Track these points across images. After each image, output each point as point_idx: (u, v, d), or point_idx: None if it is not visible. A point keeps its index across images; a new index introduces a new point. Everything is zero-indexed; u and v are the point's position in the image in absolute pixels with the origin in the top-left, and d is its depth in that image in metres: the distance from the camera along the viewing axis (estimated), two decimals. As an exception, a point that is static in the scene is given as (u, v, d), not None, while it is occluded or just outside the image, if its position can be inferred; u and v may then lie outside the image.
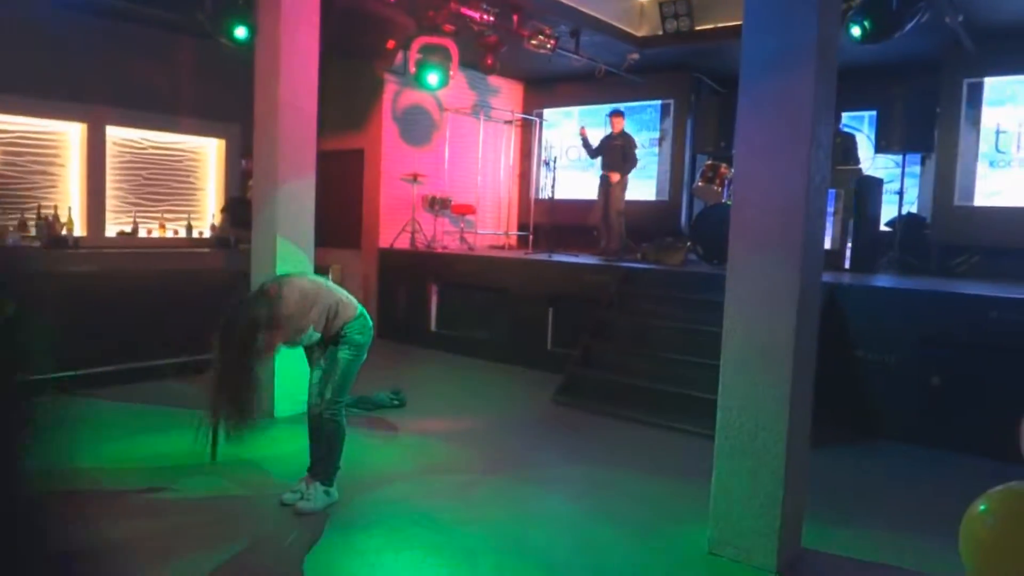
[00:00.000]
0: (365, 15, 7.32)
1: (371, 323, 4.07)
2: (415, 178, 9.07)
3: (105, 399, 5.73)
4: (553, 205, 9.71)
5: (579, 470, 4.70)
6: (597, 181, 8.82)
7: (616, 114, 8.80)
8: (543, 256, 8.39)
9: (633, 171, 8.76)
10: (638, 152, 8.79)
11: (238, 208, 7.55)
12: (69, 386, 5.80)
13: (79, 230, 6.94)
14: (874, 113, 8.43)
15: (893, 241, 7.83)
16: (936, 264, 7.97)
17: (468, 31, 7.54)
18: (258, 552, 3.46)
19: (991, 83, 7.71)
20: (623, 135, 8.72)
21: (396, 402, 5.87)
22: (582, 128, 8.98)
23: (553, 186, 9.64)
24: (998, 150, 7.74)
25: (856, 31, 5.98)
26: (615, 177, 8.55)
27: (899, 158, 8.21)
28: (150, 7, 6.47)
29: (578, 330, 7.00)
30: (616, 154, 8.62)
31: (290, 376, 5.62)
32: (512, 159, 11.15)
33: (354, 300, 4.07)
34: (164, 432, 5.02)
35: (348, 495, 4.05)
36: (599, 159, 8.83)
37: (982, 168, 7.79)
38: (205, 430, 3.67)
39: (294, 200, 5.56)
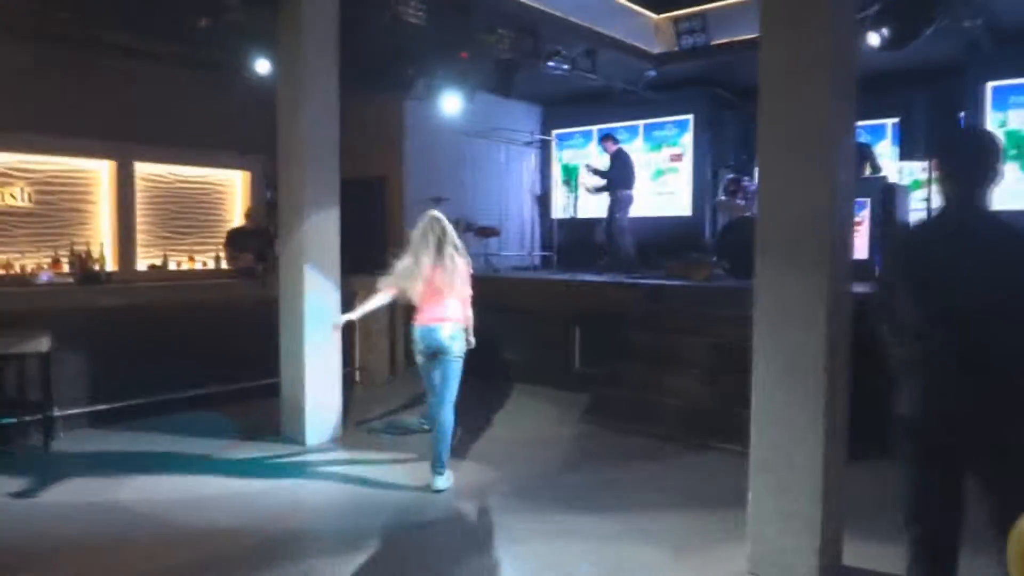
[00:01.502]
0: (384, 44, 7.43)
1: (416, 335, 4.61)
2: (437, 203, 9.13)
3: (141, 431, 5.79)
4: (574, 224, 9.72)
5: (612, 490, 4.65)
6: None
7: (605, 138, 9.18)
8: (567, 276, 8.39)
9: (640, 186, 8.96)
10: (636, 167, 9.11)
11: (238, 240, 7.67)
12: (103, 418, 5.89)
13: (111, 265, 7.08)
14: (896, 121, 8.35)
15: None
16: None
17: (485, 56, 7.61)
18: (293, 581, 3.46)
19: (1016, 85, 7.61)
20: (617, 153, 9.03)
21: (426, 426, 5.86)
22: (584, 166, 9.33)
23: (575, 205, 9.66)
24: (1026, 153, 7.62)
25: (874, 39, 5.95)
26: (613, 194, 8.88)
27: (925, 164, 8.11)
28: (174, 45, 6.63)
29: (605, 349, 6.97)
30: (614, 173, 8.95)
31: (320, 405, 5.66)
32: (533, 180, 11.20)
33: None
34: (198, 462, 5.06)
35: (380, 520, 4.05)
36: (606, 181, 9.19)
37: (1011, 172, 7.67)
38: None
39: (320, 228, 5.63)
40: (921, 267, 2.33)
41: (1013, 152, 7.65)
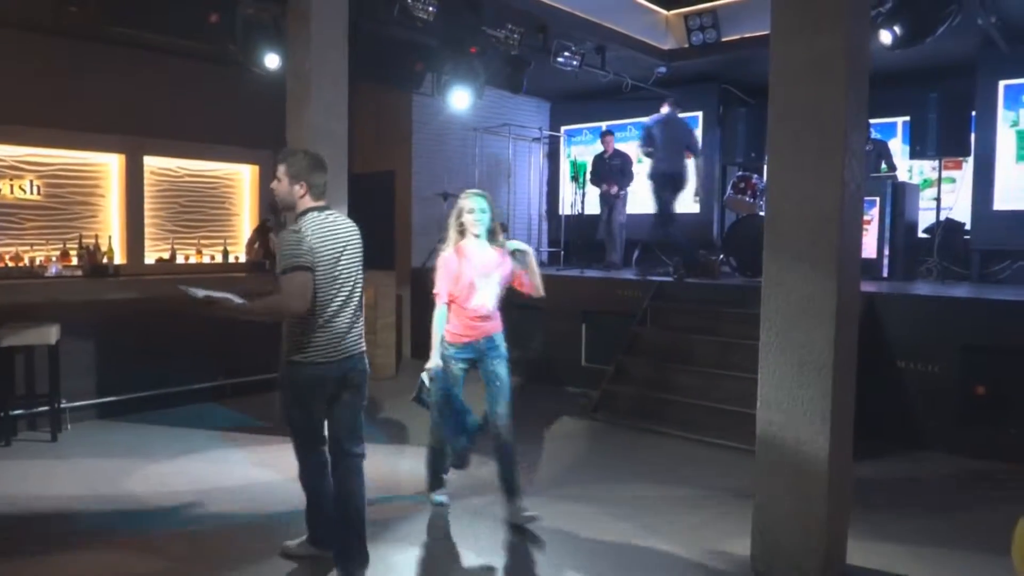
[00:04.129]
0: (392, 39, 7.42)
1: None
2: (445, 198, 9.13)
3: (148, 423, 5.82)
4: (582, 220, 9.71)
5: (618, 487, 4.65)
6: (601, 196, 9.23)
7: (607, 134, 9.21)
8: (575, 272, 8.38)
9: (646, 182, 8.94)
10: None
11: (267, 236, 7.68)
12: (112, 410, 5.93)
13: (119, 258, 7.10)
14: (907, 119, 8.29)
15: (932, 248, 7.67)
16: (977, 270, 7.78)
17: (495, 51, 7.59)
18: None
19: (1029, 84, 7.54)
20: (618, 154, 9.10)
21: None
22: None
23: (583, 202, 9.64)
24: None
25: (886, 37, 5.90)
26: (614, 191, 8.92)
27: (936, 163, 8.06)
28: (183, 39, 6.63)
29: (612, 345, 6.96)
30: (615, 172, 8.99)
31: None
32: (541, 176, 11.19)
33: None
34: (206, 454, 5.09)
35: (387, 517, 4.06)
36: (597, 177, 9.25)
37: (1023, 172, 7.61)
38: None
39: (327, 223, 5.62)
40: None
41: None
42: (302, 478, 3.47)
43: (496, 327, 3.99)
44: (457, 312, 3.89)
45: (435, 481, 4.19)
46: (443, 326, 3.90)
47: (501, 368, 3.98)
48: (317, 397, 3.22)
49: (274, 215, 3.72)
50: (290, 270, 3.06)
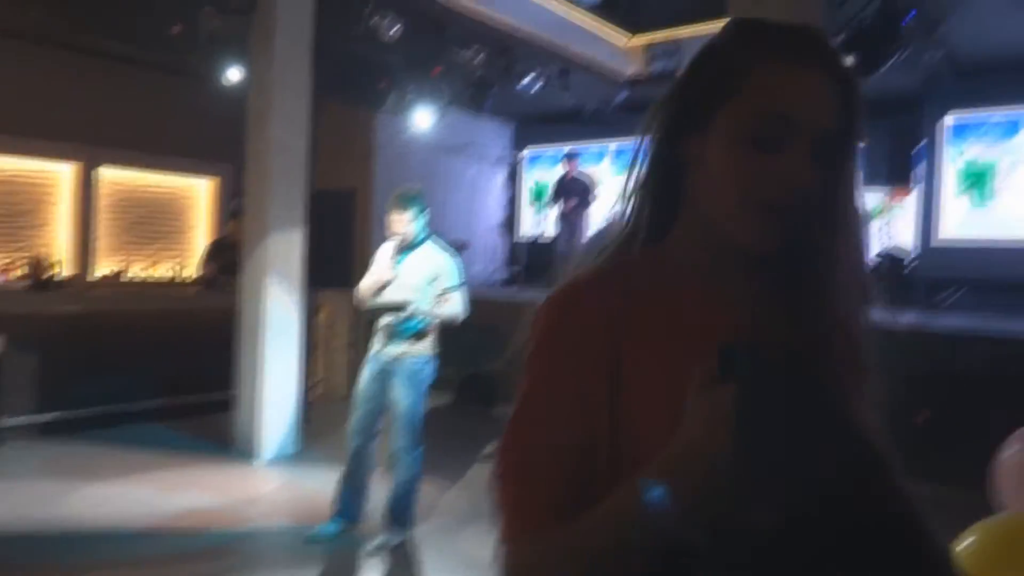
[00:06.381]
0: (357, 57, 7.42)
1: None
2: (406, 216, 9.11)
3: (92, 442, 5.64)
4: (542, 242, 9.77)
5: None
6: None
7: (571, 157, 9.32)
8: (536, 293, 8.41)
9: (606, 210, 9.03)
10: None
11: (221, 253, 7.54)
12: (53, 428, 5.73)
13: (67, 270, 6.92)
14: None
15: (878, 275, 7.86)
16: (921, 299, 8.01)
17: (458, 72, 7.64)
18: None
19: (972, 117, 7.83)
20: (580, 175, 9.24)
21: None
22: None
23: (545, 223, 9.71)
24: (981, 184, 7.83)
25: (837, 70, 6.08)
26: (572, 206, 8.99)
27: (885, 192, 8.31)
28: (143, 49, 6.55)
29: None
30: (577, 192, 9.08)
31: (277, 420, 5.58)
32: (502, 197, 11.25)
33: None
34: (149, 476, 4.95)
35: (340, 541, 3.99)
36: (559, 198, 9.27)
37: (965, 202, 7.89)
38: None
39: (284, 240, 5.57)
40: None
41: (967, 184, 7.87)
42: (418, 470, 3.94)
43: None
44: None
45: None
46: None
47: None
48: None
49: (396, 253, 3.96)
50: (462, 286, 3.96)
